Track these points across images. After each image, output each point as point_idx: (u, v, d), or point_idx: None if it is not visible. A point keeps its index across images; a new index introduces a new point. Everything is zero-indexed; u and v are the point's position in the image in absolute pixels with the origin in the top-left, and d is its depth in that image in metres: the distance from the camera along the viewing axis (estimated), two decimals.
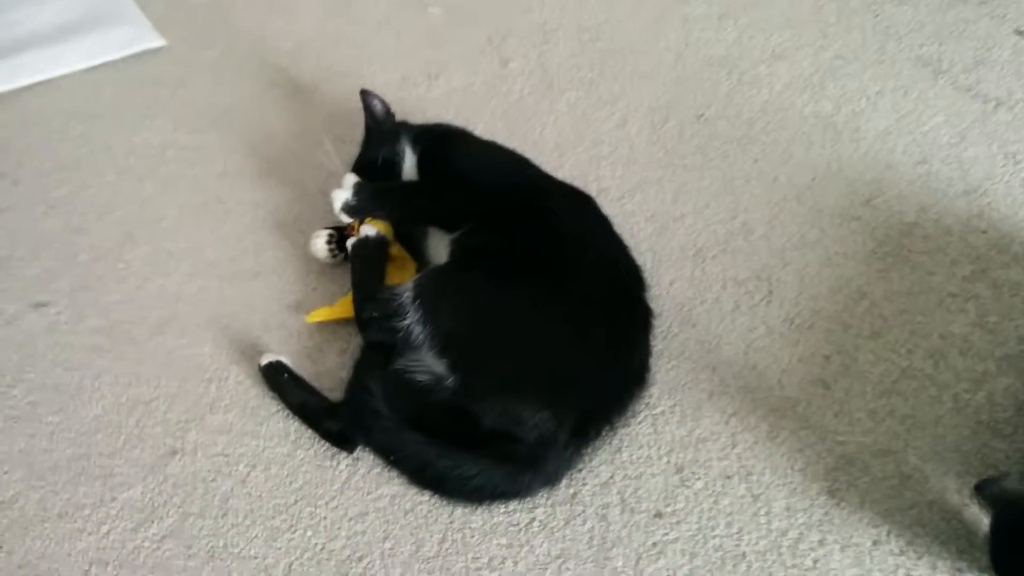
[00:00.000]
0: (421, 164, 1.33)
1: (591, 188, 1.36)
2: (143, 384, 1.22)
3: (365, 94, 1.40)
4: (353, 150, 1.42)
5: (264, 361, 1.19)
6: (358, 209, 1.27)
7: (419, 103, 1.62)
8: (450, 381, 1.06)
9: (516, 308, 1.09)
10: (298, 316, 1.28)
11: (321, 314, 1.26)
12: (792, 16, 1.76)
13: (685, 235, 1.37)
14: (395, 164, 1.34)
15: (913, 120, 1.52)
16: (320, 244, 1.32)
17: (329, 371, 1.21)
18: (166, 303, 1.33)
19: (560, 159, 1.51)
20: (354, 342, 1.23)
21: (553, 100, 1.63)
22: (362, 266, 1.24)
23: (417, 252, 1.32)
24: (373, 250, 1.25)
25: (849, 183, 1.42)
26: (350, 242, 1.26)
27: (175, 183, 1.52)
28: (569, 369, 1.07)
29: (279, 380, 1.18)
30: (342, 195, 1.26)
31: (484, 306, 1.10)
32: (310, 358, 1.23)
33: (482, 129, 1.52)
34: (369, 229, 1.25)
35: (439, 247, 1.25)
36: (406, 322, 1.09)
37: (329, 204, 1.27)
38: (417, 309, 1.09)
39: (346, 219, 1.27)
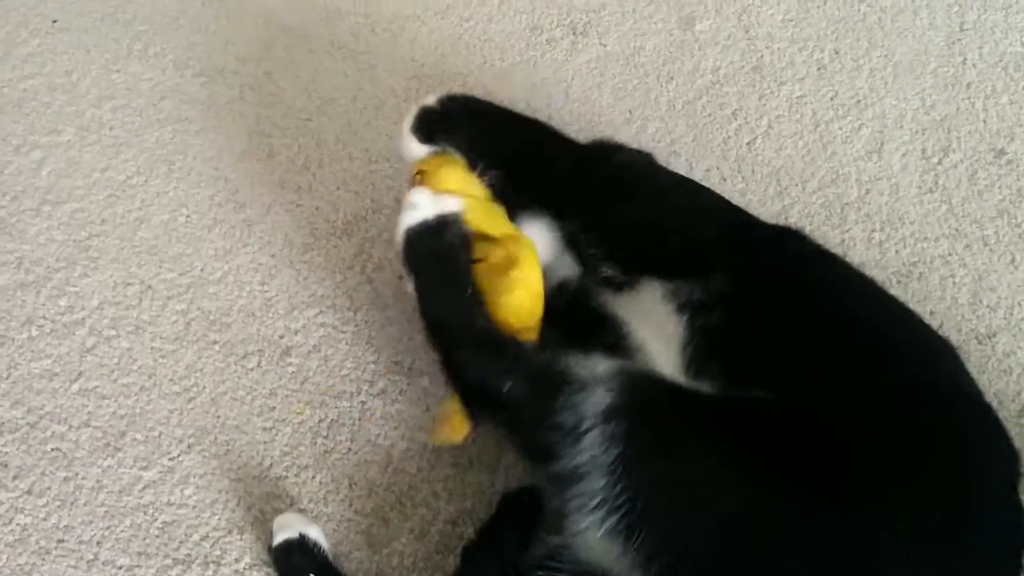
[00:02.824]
0: None
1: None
2: (67, 555, 0.69)
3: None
4: None
5: (280, 536, 0.66)
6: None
7: (555, 72, 1.05)
8: None
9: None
10: (354, 440, 0.75)
11: (454, 424, 0.65)
12: None
13: (999, 371, 0.82)
14: None
15: None
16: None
17: (393, 566, 0.69)
18: (130, 387, 0.79)
19: (781, 196, 0.95)
20: (444, 514, 0.70)
21: (765, 92, 1.05)
22: (448, 282, 0.64)
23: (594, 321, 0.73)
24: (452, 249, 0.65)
25: None
26: (402, 224, 0.65)
27: (171, 160, 0.96)
28: None
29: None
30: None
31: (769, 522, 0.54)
32: (366, 538, 0.70)
33: (654, 129, 0.97)
34: (449, 202, 0.65)
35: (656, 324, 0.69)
36: (576, 460, 0.54)
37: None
38: (608, 451, 0.54)
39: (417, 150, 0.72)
